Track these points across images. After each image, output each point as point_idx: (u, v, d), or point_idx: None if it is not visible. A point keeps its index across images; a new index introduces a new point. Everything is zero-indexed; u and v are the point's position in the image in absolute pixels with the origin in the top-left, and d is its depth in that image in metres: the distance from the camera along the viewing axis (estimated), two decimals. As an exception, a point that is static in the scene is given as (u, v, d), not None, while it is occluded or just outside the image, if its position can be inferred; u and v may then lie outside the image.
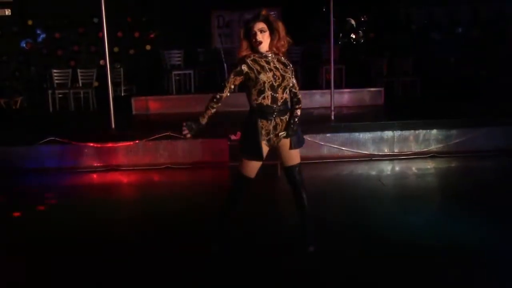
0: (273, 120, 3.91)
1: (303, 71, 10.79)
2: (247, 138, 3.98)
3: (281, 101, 3.90)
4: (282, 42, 3.91)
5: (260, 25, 3.84)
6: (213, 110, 4.01)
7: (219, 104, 4.00)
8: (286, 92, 3.93)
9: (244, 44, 3.89)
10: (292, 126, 3.97)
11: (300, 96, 4.06)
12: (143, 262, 4.12)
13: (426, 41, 12.27)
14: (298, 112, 4.04)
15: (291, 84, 3.95)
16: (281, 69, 3.90)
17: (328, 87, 8.75)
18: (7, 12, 11.72)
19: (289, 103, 3.98)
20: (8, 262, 4.28)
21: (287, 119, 3.96)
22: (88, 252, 4.37)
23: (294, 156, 4.07)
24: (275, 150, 4.09)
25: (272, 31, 3.85)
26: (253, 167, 4.02)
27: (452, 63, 12.06)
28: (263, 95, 3.86)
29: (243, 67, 3.84)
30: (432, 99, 10.29)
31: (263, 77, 3.82)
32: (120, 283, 3.85)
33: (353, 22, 12.24)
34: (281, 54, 3.96)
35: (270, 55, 3.90)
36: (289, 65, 3.99)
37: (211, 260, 4.08)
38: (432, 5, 12.40)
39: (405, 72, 11.04)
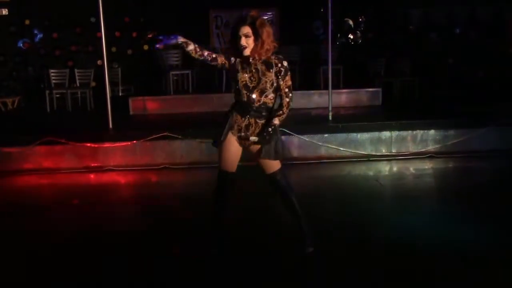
0: (247, 119, 3.90)
1: (301, 72, 10.80)
2: (219, 126, 3.99)
3: (258, 103, 3.87)
4: (266, 48, 3.80)
5: (246, 29, 3.79)
6: (191, 47, 3.86)
7: (199, 51, 3.85)
8: (267, 95, 3.87)
9: (232, 47, 3.88)
10: (264, 133, 3.86)
11: (287, 100, 3.87)
12: (140, 262, 4.10)
13: (424, 42, 12.27)
14: (276, 120, 3.88)
15: (269, 88, 3.83)
16: (262, 71, 3.85)
17: (326, 87, 8.75)
18: (5, 11, 11.70)
19: (270, 109, 3.91)
20: (6, 262, 4.26)
21: (263, 124, 3.90)
22: (84, 252, 4.35)
23: (270, 164, 3.98)
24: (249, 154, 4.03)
25: (256, 37, 3.78)
26: (226, 158, 3.98)
27: (450, 64, 12.07)
28: (240, 93, 3.89)
29: (231, 58, 3.90)
30: (430, 99, 10.30)
31: (239, 76, 3.86)
32: (117, 284, 3.83)
33: (351, 22, 12.24)
34: (264, 57, 3.85)
35: (252, 58, 3.86)
36: (277, 66, 3.85)
37: (210, 261, 4.07)
38: (430, 6, 12.41)
39: (403, 72, 11.05)
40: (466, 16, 12.38)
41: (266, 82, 3.85)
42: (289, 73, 3.91)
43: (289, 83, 3.90)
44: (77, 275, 3.95)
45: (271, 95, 3.90)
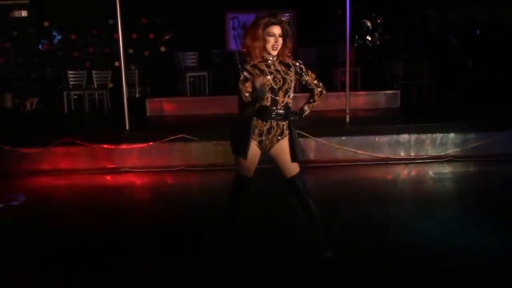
0: (268, 122, 3.85)
1: (318, 74, 10.70)
2: (238, 135, 3.92)
3: (281, 104, 3.83)
4: (289, 47, 3.85)
5: (279, 29, 3.77)
6: (247, 94, 3.78)
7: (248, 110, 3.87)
8: (289, 96, 3.85)
9: (259, 45, 3.76)
10: (292, 114, 3.92)
11: (319, 90, 3.97)
12: (154, 264, 4.07)
13: (443, 43, 12.12)
14: (306, 107, 4.02)
15: (292, 87, 3.84)
16: (283, 71, 3.83)
17: (343, 89, 8.67)
18: (24, 13, 11.81)
19: (290, 109, 3.89)
20: (22, 262, 4.27)
21: (284, 126, 3.87)
22: (100, 253, 4.35)
23: (292, 167, 3.94)
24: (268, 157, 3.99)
25: (285, 38, 3.79)
26: (246, 165, 3.94)
27: (469, 66, 11.89)
28: (261, 98, 3.80)
29: (244, 74, 3.81)
30: (449, 102, 10.16)
31: (263, 79, 3.77)
32: (131, 284, 3.82)
33: (369, 24, 12.14)
34: (284, 57, 3.86)
35: (271, 58, 3.83)
36: (295, 65, 3.88)
37: (223, 263, 4.04)
38: (448, 7, 12.25)
39: (422, 74, 10.91)
40: (486, 17, 12.20)
41: (291, 81, 3.84)
42: (308, 69, 3.97)
43: (314, 75, 3.98)
44: (88, 275, 3.94)
45: (291, 95, 3.88)
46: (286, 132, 3.91)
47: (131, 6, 9.24)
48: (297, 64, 3.90)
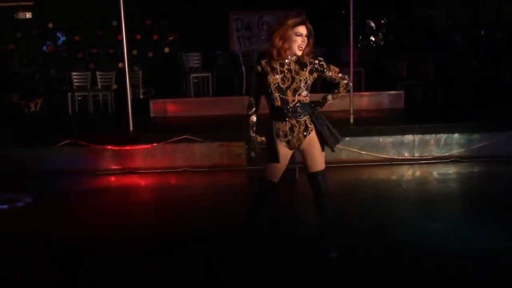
0: (287, 122, 3.85)
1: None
2: (267, 141, 3.96)
3: (292, 103, 3.82)
4: (311, 46, 3.86)
5: (305, 29, 3.79)
6: (252, 117, 3.98)
7: (254, 108, 3.98)
8: (300, 94, 3.82)
9: (288, 45, 3.76)
10: (312, 104, 3.88)
11: (345, 82, 3.93)
12: (154, 264, 4.07)
13: (448, 44, 12.07)
14: (329, 96, 3.97)
15: (302, 87, 3.80)
16: (295, 70, 3.82)
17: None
18: (28, 15, 11.85)
19: (307, 106, 3.87)
20: (26, 262, 4.27)
21: (307, 121, 3.86)
22: (101, 253, 4.35)
23: (319, 162, 3.95)
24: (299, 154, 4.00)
25: (309, 37, 3.82)
26: (274, 170, 3.95)
27: (474, 66, 11.85)
28: (272, 97, 3.84)
29: (257, 68, 3.87)
30: (453, 102, 10.11)
31: (269, 78, 3.81)
32: (132, 284, 3.83)
33: (372, 24, 12.11)
34: (305, 56, 3.85)
35: (289, 57, 3.82)
36: (313, 63, 3.85)
37: (227, 266, 4.03)
38: (453, 7, 12.21)
39: (426, 74, 10.88)
40: (491, 17, 12.14)
41: (300, 80, 3.82)
42: (330, 63, 3.94)
43: (337, 68, 3.94)
44: (92, 276, 3.94)
45: (305, 93, 3.85)
46: (311, 126, 3.89)
47: (135, 7, 9.25)
48: (316, 62, 3.87)
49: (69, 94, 10.54)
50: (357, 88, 9.65)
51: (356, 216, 5.19)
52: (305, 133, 3.89)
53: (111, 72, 10.90)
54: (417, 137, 7.42)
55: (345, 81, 3.95)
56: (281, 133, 3.89)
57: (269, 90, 3.83)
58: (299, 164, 5.14)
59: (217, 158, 7.28)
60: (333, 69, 3.92)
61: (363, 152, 7.35)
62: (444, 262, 4.00)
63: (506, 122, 7.62)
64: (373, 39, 12.14)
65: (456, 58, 11.69)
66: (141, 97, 11.01)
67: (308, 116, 3.89)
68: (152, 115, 9.53)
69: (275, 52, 3.80)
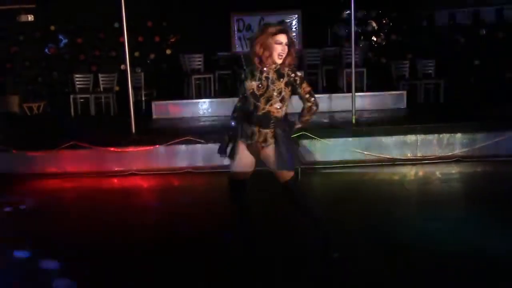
0: (251, 127, 3.86)
1: (324, 75, 10.69)
2: (231, 134, 4.05)
3: (262, 111, 3.82)
4: (292, 57, 3.83)
5: (286, 38, 3.79)
6: (232, 122, 4.05)
7: (237, 114, 4.04)
8: (272, 104, 3.81)
9: (268, 53, 3.77)
10: (271, 123, 3.81)
11: (309, 105, 3.88)
12: (154, 264, 4.08)
13: (449, 43, 12.06)
14: (298, 123, 3.97)
15: (275, 97, 3.77)
16: (272, 79, 3.81)
17: (349, 90, 8.65)
18: (30, 18, 11.87)
19: (272, 119, 3.83)
20: (26, 262, 4.28)
21: (267, 135, 3.84)
22: (102, 253, 4.36)
23: (283, 173, 3.90)
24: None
25: (289, 47, 3.80)
26: (235, 168, 4.01)
27: (476, 65, 11.83)
28: (249, 102, 3.87)
29: (242, 74, 3.94)
30: (455, 102, 10.10)
31: (247, 84, 3.84)
32: (132, 284, 3.84)
33: (374, 24, 12.09)
34: (284, 66, 3.85)
35: (270, 65, 3.82)
36: (290, 76, 3.82)
37: (229, 266, 4.03)
38: (455, 7, 12.18)
39: (428, 75, 10.87)
40: (493, 17, 12.12)
41: (273, 90, 3.80)
42: (305, 81, 3.93)
43: (308, 89, 3.89)
44: (95, 278, 3.95)
45: (278, 104, 3.83)
46: (271, 141, 3.86)
47: (137, 9, 9.26)
48: (293, 75, 3.84)
49: (72, 96, 10.56)
50: (359, 88, 9.64)
51: (359, 216, 5.18)
52: (263, 144, 3.88)
53: (113, 74, 10.92)
54: (420, 137, 7.40)
55: (309, 104, 3.89)
56: (244, 134, 3.91)
57: (246, 96, 3.87)
58: (301, 165, 5.14)
59: (219, 160, 7.25)
60: (304, 88, 3.87)
61: (366, 153, 7.34)
62: (445, 262, 3.99)
63: (508, 122, 7.60)
64: (375, 39, 12.13)
65: (458, 58, 11.68)
66: (143, 99, 11.01)
67: (272, 130, 3.85)
68: (154, 116, 9.54)
69: (256, 60, 3.82)
